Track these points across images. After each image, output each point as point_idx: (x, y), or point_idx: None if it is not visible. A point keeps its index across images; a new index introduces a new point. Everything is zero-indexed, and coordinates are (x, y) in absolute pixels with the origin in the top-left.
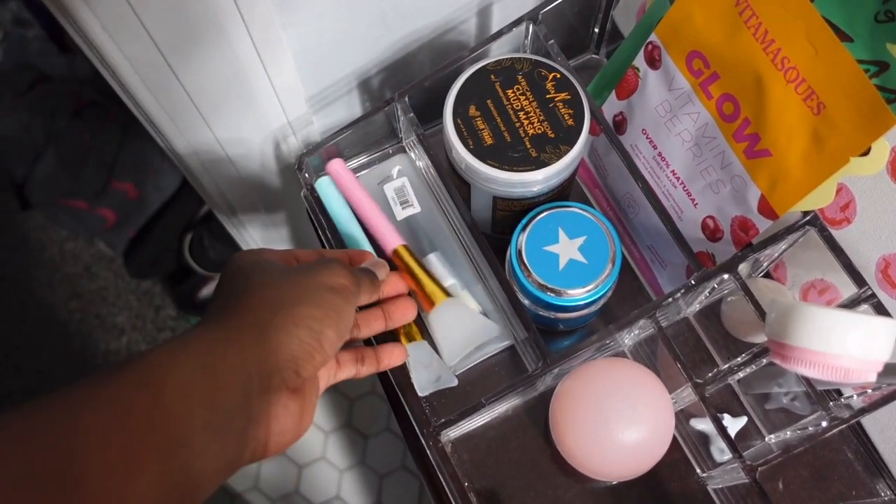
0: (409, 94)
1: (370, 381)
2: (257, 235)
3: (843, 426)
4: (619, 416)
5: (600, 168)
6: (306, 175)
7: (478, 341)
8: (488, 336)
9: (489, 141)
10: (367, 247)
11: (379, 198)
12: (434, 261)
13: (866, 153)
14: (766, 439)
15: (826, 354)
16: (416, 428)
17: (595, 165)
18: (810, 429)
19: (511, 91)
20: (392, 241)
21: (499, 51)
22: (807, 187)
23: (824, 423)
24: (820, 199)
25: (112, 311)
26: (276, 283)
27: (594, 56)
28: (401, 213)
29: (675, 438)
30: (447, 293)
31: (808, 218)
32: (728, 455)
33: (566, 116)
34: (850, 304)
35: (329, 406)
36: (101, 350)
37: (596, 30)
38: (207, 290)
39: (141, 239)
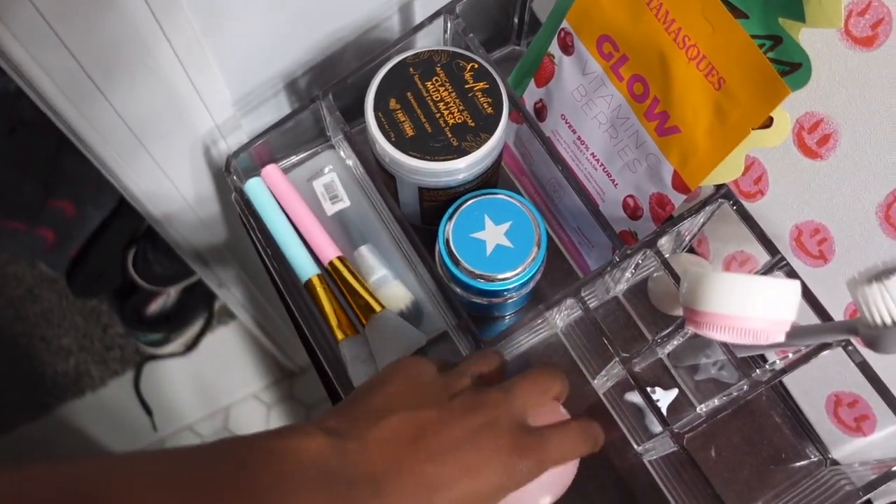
0: (333, 93)
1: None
2: (197, 244)
3: (764, 388)
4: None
5: (525, 155)
6: (234, 177)
7: (409, 353)
8: (417, 345)
9: (410, 133)
10: (303, 254)
11: (309, 194)
12: (365, 253)
13: (769, 125)
14: (698, 409)
15: (734, 317)
16: None
17: (521, 153)
18: (734, 394)
19: (430, 83)
20: (328, 252)
21: (422, 46)
22: (714, 160)
23: (746, 387)
24: (729, 172)
25: (58, 333)
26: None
27: (516, 47)
28: (331, 209)
29: (611, 416)
30: (381, 304)
31: (721, 192)
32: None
33: (485, 105)
34: (765, 272)
35: (289, 415)
36: (49, 373)
37: (516, 21)
38: (155, 306)
39: (83, 257)
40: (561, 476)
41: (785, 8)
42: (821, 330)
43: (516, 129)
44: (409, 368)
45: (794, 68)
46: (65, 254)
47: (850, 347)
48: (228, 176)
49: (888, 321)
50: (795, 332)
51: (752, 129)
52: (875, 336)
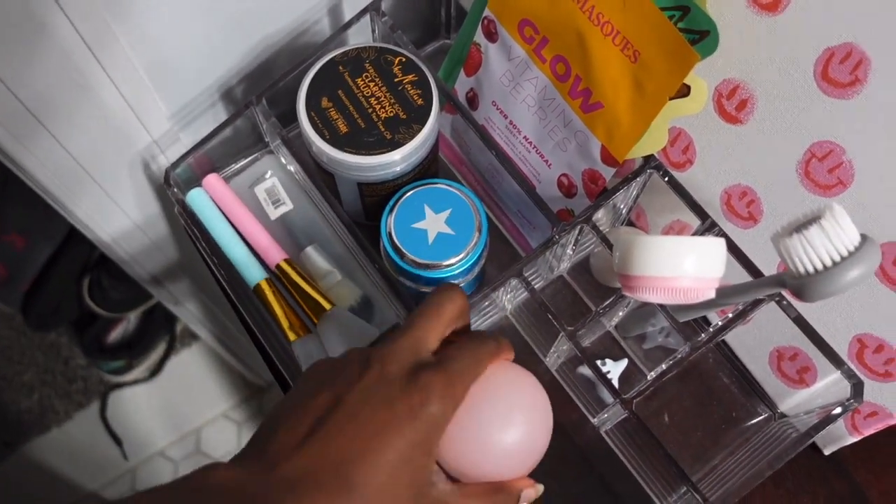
0: (267, 98)
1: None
2: (149, 264)
3: (707, 348)
4: (494, 419)
5: (462, 144)
6: (175, 190)
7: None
8: (370, 339)
9: (344, 129)
10: (250, 260)
11: (252, 200)
12: (312, 253)
13: (687, 94)
14: (648, 376)
15: (665, 278)
16: None
17: (458, 142)
18: (678, 357)
19: (360, 79)
20: (274, 256)
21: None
22: (637, 132)
23: (688, 349)
24: (655, 143)
25: (18, 370)
26: None
27: (447, 41)
28: (274, 213)
29: (567, 393)
30: (331, 303)
31: (651, 163)
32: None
33: (415, 97)
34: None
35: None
36: (12, 411)
37: (444, 14)
38: (115, 333)
39: (37, 290)
40: (527, 406)
41: None
42: (752, 286)
43: (452, 120)
44: (311, 370)
45: (703, 36)
46: (18, 288)
47: (784, 302)
48: (169, 189)
49: (810, 269)
50: (728, 291)
51: (669, 98)
52: (801, 285)
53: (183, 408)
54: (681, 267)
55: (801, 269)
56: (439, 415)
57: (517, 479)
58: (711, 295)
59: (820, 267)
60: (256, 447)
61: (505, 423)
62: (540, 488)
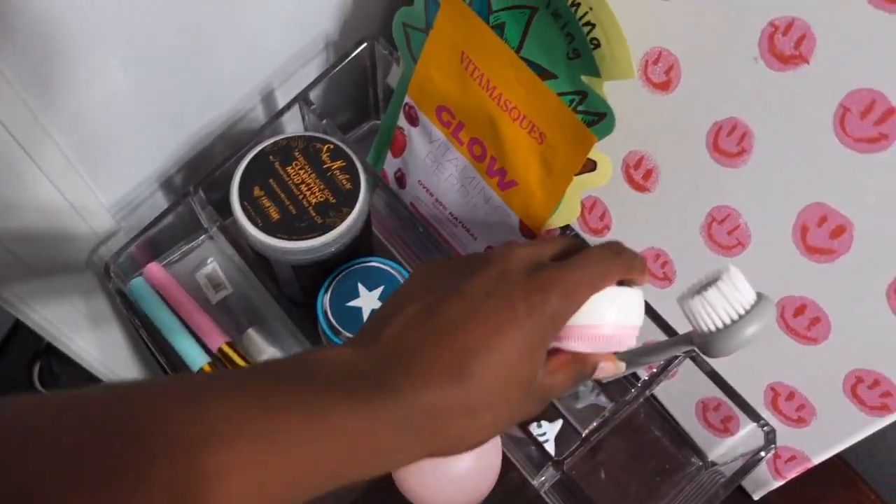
0: (204, 187)
1: None
2: (97, 352)
3: (635, 405)
4: None
5: (398, 221)
6: (116, 280)
7: None
8: None
9: (276, 216)
10: (191, 345)
11: (193, 286)
12: (253, 335)
13: (594, 168)
14: (583, 435)
15: (587, 326)
16: None
17: (392, 219)
18: (607, 415)
19: (290, 167)
20: (216, 339)
21: (290, 130)
22: (550, 206)
23: (614, 406)
24: (568, 214)
25: None
26: None
27: (377, 122)
28: (215, 297)
29: (505, 456)
30: None
31: (570, 233)
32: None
33: (344, 181)
34: None
35: None
36: None
37: (374, 96)
38: None
39: None
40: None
41: (584, 67)
42: (666, 345)
43: (386, 199)
44: (424, 267)
45: (600, 118)
46: None
47: (698, 358)
48: (110, 281)
49: (712, 328)
50: (647, 350)
51: (575, 174)
52: (705, 343)
53: None
54: (602, 316)
55: (704, 328)
56: (558, 314)
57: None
58: (632, 343)
59: (720, 325)
60: (369, 333)
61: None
62: (621, 366)
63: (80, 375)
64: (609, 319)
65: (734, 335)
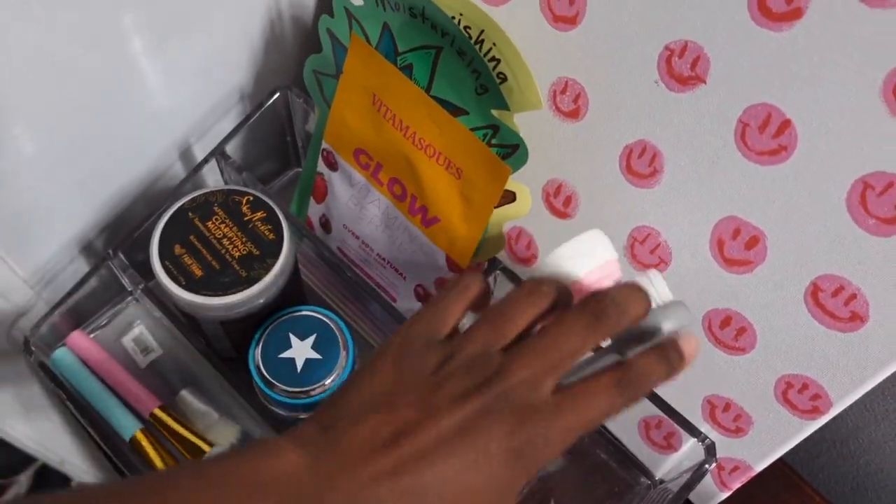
0: (124, 249)
1: None
2: (25, 430)
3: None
4: None
5: (327, 266)
6: (37, 354)
7: None
8: None
9: (199, 273)
10: (122, 413)
11: (120, 351)
12: (187, 396)
13: (513, 199)
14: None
15: (579, 281)
16: None
17: (323, 265)
18: None
19: (210, 222)
20: (147, 404)
21: (212, 184)
22: (474, 239)
23: None
24: (494, 246)
25: None
26: None
27: (299, 170)
28: (144, 361)
29: None
30: (209, 444)
31: (497, 265)
32: None
33: (266, 232)
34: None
35: None
36: None
37: (293, 144)
38: (8, 496)
39: None
40: None
41: (493, 101)
42: (594, 359)
43: (312, 246)
44: (393, 349)
45: (513, 150)
46: None
47: None
48: (31, 355)
49: None
50: (574, 369)
51: (495, 206)
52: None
53: None
54: (584, 264)
55: None
56: (539, 459)
57: None
58: (618, 274)
59: None
60: (323, 440)
61: None
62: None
63: (14, 455)
64: (581, 274)
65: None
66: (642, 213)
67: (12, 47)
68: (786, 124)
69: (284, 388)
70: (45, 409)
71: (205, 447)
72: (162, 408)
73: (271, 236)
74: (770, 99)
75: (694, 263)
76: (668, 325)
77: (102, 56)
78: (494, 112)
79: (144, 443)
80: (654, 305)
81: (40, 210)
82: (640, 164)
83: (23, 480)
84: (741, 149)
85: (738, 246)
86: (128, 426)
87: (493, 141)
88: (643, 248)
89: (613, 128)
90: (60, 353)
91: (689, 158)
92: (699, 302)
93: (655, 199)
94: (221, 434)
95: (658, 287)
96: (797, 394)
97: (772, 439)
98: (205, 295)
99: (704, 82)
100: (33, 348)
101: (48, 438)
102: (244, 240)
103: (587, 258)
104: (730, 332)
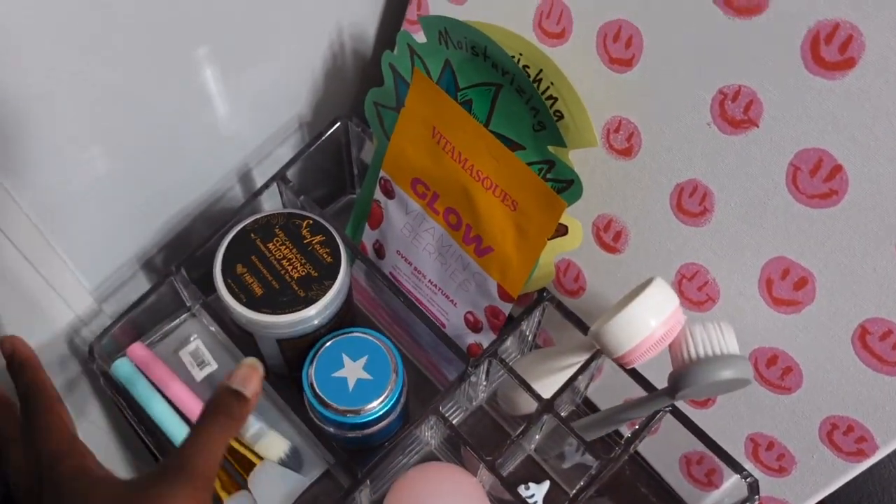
0: (186, 266)
1: None
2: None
3: (616, 463)
4: None
5: (377, 290)
6: (100, 362)
7: (293, 498)
8: (300, 490)
9: (259, 292)
10: (178, 424)
11: (177, 363)
12: None
13: (565, 233)
14: (570, 495)
15: (643, 342)
16: None
17: (372, 289)
18: (593, 472)
19: (271, 244)
20: None
21: (268, 208)
22: (526, 271)
23: (598, 464)
24: (544, 277)
25: None
26: None
27: (353, 196)
28: (199, 374)
29: None
30: (259, 457)
31: (546, 296)
32: None
33: (324, 255)
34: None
35: None
36: None
37: (348, 172)
38: None
39: None
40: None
41: (550, 138)
42: (647, 399)
43: (365, 269)
44: None
45: (568, 185)
46: None
47: (679, 413)
48: (94, 362)
49: (699, 355)
50: (627, 407)
51: (548, 238)
52: (684, 373)
53: None
54: (648, 326)
55: (692, 354)
56: None
57: None
58: (682, 319)
59: (702, 355)
60: None
61: None
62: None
63: None
64: (654, 324)
65: (713, 367)
66: (691, 251)
67: (95, 85)
68: (837, 169)
69: (335, 406)
70: (99, 418)
71: (255, 459)
72: None
73: (329, 259)
74: (822, 144)
75: (742, 302)
76: (729, 374)
77: (174, 88)
78: (550, 148)
79: None
80: (719, 353)
81: (108, 227)
82: (691, 203)
83: None
84: (792, 191)
85: (786, 286)
86: (181, 436)
87: (549, 176)
88: (691, 285)
89: (665, 166)
90: (121, 363)
91: (740, 199)
92: (746, 339)
93: (705, 238)
94: (271, 448)
95: (727, 339)
96: (842, 435)
97: (815, 480)
98: (264, 313)
99: (757, 126)
100: (96, 356)
101: (99, 449)
102: (303, 261)
103: (657, 310)
104: (776, 370)
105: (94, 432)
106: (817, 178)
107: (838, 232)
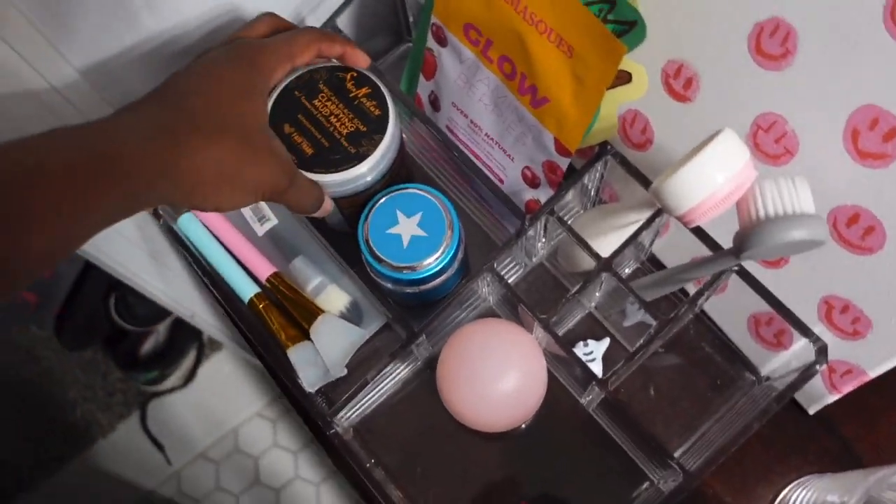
0: None
1: None
2: (160, 286)
3: (679, 322)
4: (493, 369)
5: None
6: (166, 218)
7: (353, 349)
8: (360, 342)
9: (310, 151)
10: (241, 276)
11: (239, 218)
12: (299, 265)
13: (629, 80)
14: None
15: (709, 198)
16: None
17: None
18: (652, 331)
19: (317, 100)
20: (264, 270)
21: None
22: (584, 123)
23: (657, 324)
24: (606, 130)
25: (61, 388)
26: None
27: (410, 45)
28: (261, 229)
29: (554, 376)
30: (321, 309)
31: (609, 150)
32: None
33: (372, 108)
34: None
35: (293, 428)
36: (59, 427)
37: (403, 18)
38: (148, 346)
39: (67, 313)
40: (521, 359)
41: None
42: (711, 259)
43: (421, 123)
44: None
45: (630, 26)
46: (50, 312)
47: (746, 273)
48: (160, 220)
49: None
50: (691, 266)
51: (608, 87)
52: (750, 234)
53: (218, 410)
54: (713, 182)
55: (760, 213)
56: (255, 64)
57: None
58: (753, 175)
59: (771, 214)
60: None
61: (501, 374)
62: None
63: (153, 306)
64: (720, 180)
65: (781, 227)
66: (769, 99)
67: None
68: None
69: (390, 262)
70: (177, 269)
71: (316, 311)
72: (276, 274)
73: (377, 112)
74: None
75: (823, 155)
76: (798, 235)
77: None
78: None
79: (260, 306)
80: (790, 212)
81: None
82: (771, 44)
83: (161, 330)
84: (889, 29)
85: (875, 138)
86: (246, 289)
87: (609, 17)
88: (767, 137)
89: (742, 3)
90: (185, 219)
91: (827, 39)
92: (825, 197)
93: (785, 83)
94: (331, 302)
95: (801, 195)
96: None
97: (891, 345)
98: (317, 172)
99: None
100: (161, 212)
101: (181, 295)
102: (351, 116)
103: (723, 165)
104: (857, 230)
105: (179, 285)
106: None
107: None
